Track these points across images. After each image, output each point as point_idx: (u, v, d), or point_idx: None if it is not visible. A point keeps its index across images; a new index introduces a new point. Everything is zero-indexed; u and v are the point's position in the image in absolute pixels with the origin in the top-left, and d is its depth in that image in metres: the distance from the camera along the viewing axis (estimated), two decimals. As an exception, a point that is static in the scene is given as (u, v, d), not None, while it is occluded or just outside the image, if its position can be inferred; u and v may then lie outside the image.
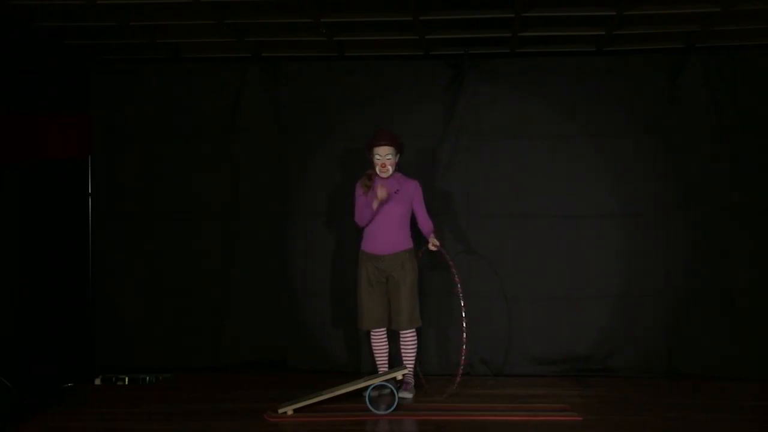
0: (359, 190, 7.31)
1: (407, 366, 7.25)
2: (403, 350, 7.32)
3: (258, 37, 8.02)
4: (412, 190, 7.32)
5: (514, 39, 7.97)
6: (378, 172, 7.23)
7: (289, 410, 6.56)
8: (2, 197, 8.12)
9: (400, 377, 6.77)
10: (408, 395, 7.12)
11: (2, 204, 8.09)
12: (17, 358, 6.55)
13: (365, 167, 8.37)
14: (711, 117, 8.16)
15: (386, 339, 7.40)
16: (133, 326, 8.42)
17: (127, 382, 7.84)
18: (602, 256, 8.21)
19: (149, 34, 7.94)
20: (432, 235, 7.26)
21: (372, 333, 7.37)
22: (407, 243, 7.29)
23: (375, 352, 7.43)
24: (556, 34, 7.92)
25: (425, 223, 7.35)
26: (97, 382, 7.83)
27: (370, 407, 6.57)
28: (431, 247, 7.23)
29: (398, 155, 7.30)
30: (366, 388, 6.67)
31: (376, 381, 6.68)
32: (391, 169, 7.23)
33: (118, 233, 8.51)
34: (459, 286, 7.27)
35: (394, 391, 6.64)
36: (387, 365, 7.41)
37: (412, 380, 7.31)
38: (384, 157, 7.21)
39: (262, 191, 8.47)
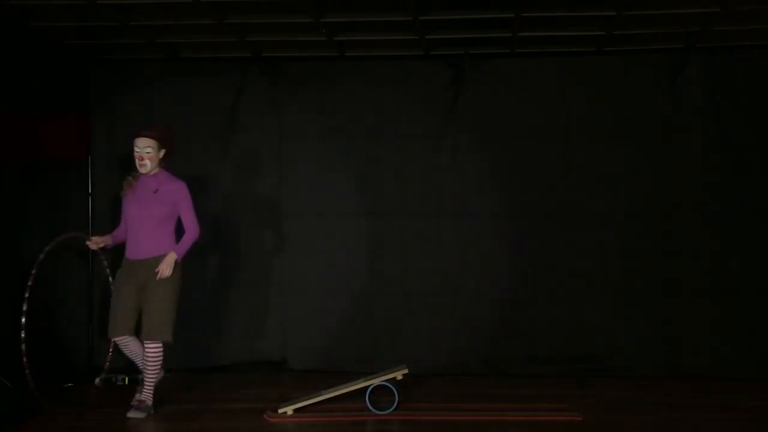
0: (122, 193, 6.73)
1: (147, 382, 6.60)
2: (144, 364, 6.59)
3: (258, 37, 8.01)
4: (176, 192, 6.63)
5: (514, 39, 7.97)
6: (137, 167, 6.60)
7: (288, 410, 6.56)
8: (2, 197, 8.12)
9: (400, 377, 6.75)
10: (139, 415, 6.51)
11: (2, 203, 8.09)
12: (17, 358, 6.52)
13: (366, 167, 8.39)
14: (711, 117, 8.16)
15: (136, 345, 6.63)
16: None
17: (126, 382, 7.83)
18: (601, 256, 8.21)
19: (149, 34, 7.94)
20: (171, 253, 6.52)
21: (117, 341, 6.63)
22: (165, 248, 6.56)
23: (131, 357, 6.72)
24: (557, 35, 7.92)
25: (188, 229, 6.66)
26: (97, 382, 7.82)
27: (370, 407, 6.56)
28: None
29: (162, 151, 6.63)
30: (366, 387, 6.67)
31: (376, 381, 6.67)
32: (149, 164, 6.57)
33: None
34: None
35: (395, 390, 6.63)
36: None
37: (148, 399, 6.63)
38: (142, 149, 6.56)
39: (262, 191, 8.47)
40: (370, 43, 8.18)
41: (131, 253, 6.60)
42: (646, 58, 8.22)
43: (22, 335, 6.49)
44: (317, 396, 6.71)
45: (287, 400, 6.73)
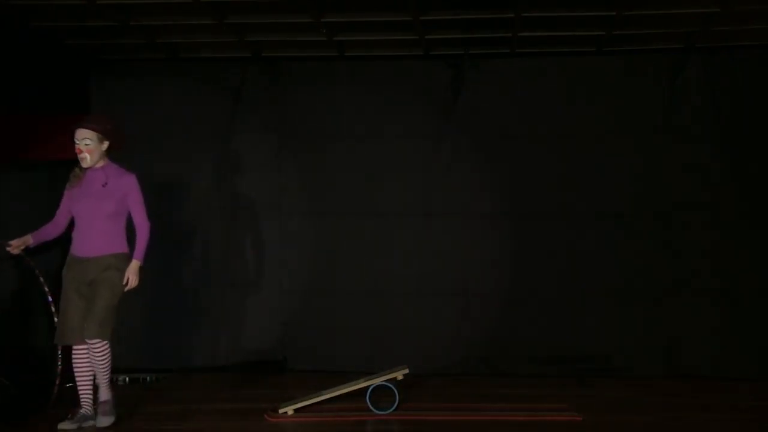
0: (67, 185, 6.27)
1: (102, 381, 6.11)
2: (94, 364, 6.08)
3: (258, 36, 8.01)
4: (125, 185, 6.19)
5: (514, 39, 7.97)
6: (80, 161, 6.17)
7: (289, 410, 6.55)
8: (1, 198, 8.11)
9: (400, 377, 6.74)
10: (108, 420, 6.11)
11: (2, 204, 8.08)
12: (16, 359, 6.52)
13: (366, 166, 8.39)
14: (711, 116, 8.16)
15: (87, 359, 6.15)
16: (132, 326, 8.40)
17: (127, 382, 7.83)
18: (601, 256, 8.21)
19: (149, 34, 7.94)
20: (134, 262, 6.11)
21: (73, 351, 6.13)
22: (115, 246, 6.15)
23: (76, 373, 6.15)
24: (557, 35, 7.92)
25: (138, 228, 6.22)
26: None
27: (371, 407, 6.55)
28: (125, 284, 6.13)
29: (105, 144, 6.16)
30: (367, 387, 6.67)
31: (377, 381, 6.66)
32: (89, 158, 6.10)
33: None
34: (50, 299, 6.37)
35: (395, 391, 6.62)
36: (90, 388, 6.18)
37: (109, 399, 6.17)
38: (81, 141, 6.09)
39: (261, 191, 8.48)
40: (369, 43, 8.19)
41: (79, 250, 6.13)
42: (646, 58, 8.23)
43: None
44: (318, 396, 6.71)
45: (288, 400, 6.72)
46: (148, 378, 7.94)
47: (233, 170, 8.50)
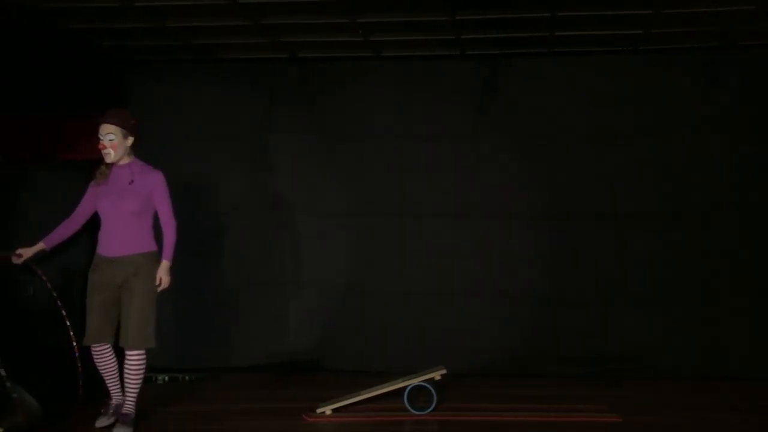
0: (92, 182, 6.19)
1: (130, 394, 6.08)
2: (126, 374, 6.05)
3: (294, 37, 8.03)
4: (152, 183, 6.12)
5: (550, 39, 7.94)
6: (105, 157, 6.10)
7: (327, 410, 6.58)
8: (39, 198, 8.19)
9: (438, 377, 6.74)
10: (126, 430, 6.00)
11: (38, 205, 8.16)
12: (59, 356, 6.56)
13: (401, 167, 8.38)
14: (748, 116, 8.10)
15: (111, 356, 6.12)
16: (171, 326, 8.46)
17: (166, 381, 7.88)
18: (635, 256, 8.17)
19: (185, 36, 7.97)
20: (164, 263, 6.05)
21: (93, 350, 6.07)
22: (144, 245, 6.07)
23: (100, 371, 6.14)
24: (593, 34, 7.87)
25: (165, 226, 6.13)
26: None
27: (408, 407, 6.56)
28: (157, 285, 6.06)
29: (130, 139, 6.09)
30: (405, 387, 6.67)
31: (414, 381, 6.67)
32: (113, 153, 6.02)
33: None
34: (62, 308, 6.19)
35: (433, 391, 6.62)
36: (119, 384, 6.18)
37: (132, 412, 6.10)
38: (105, 137, 6.02)
39: (297, 191, 8.50)
40: (405, 43, 8.17)
41: (106, 249, 6.03)
42: (683, 56, 8.16)
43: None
44: (356, 396, 6.72)
45: (325, 400, 6.73)
46: (186, 378, 7.98)
47: (269, 170, 8.53)
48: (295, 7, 7.31)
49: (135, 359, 6.01)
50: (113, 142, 6.02)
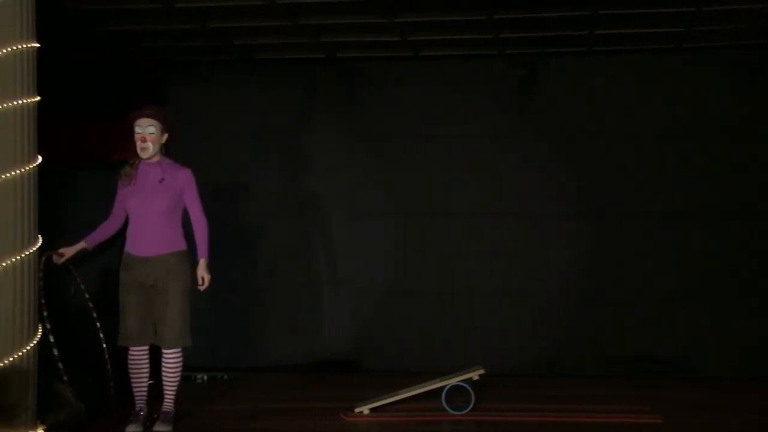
0: (119, 183, 6.09)
1: (169, 393, 6.07)
2: (164, 373, 6.05)
3: (332, 37, 8.05)
4: (183, 180, 6.02)
5: (590, 37, 7.88)
6: (138, 151, 5.98)
7: (365, 410, 6.57)
8: (83, 199, 8.28)
9: (475, 378, 6.71)
10: (167, 428, 5.98)
11: (83, 205, 8.25)
12: (100, 358, 6.62)
13: (440, 166, 8.37)
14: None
15: (147, 359, 6.11)
16: (210, 325, 8.51)
17: (206, 380, 7.93)
18: (677, 257, 8.10)
19: (225, 36, 8.02)
20: (202, 261, 6.01)
21: (130, 352, 6.04)
22: (176, 244, 6.00)
23: (132, 375, 6.07)
24: (633, 32, 7.81)
25: (197, 224, 6.07)
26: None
27: (447, 407, 6.54)
28: (200, 284, 6.02)
29: (165, 135, 6.02)
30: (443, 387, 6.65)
31: (452, 381, 6.65)
32: (151, 147, 5.94)
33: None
34: (91, 305, 6.24)
35: (471, 391, 6.59)
36: (146, 390, 6.16)
37: (172, 410, 6.10)
38: (145, 129, 5.93)
39: (335, 190, 8.52)
40: (443, 42, 8.16)
41: (137, 249, 5.96)
42: (725, 54, 8.07)
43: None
44: (394, 396, 6.71)
45: (363, 400, 6.73)
46: (225, 377, 8.02)
47: (307, 170, 8.55)
48: (333, 8, 7.33)
49: (173, 358, 6.02)
50: (153, 135, 5.94)
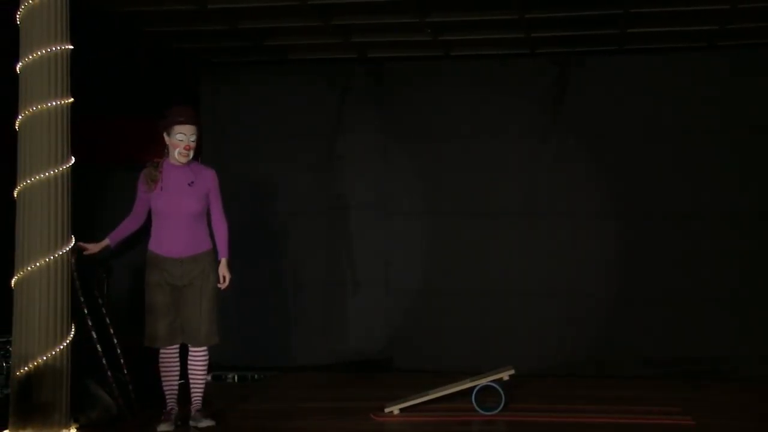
0: (142, 186, 6.06)
1: (200, 389, 6.13)
2: (195, 371, 6.11)
3: (364, 37, 8.06)
4: (210, 181, 6.09)
5: (621, 36, 7.83)
6: (177, 156, 5.98)
7: (395, 410, 6.57)
8: (113, 198, 8.34)
9: (506, 378, 6.69)
10: (211, 422, 6.08)
11: (112, 205, 8.31)
12: (132, 357, 6.67)
13: (471, 166, 8.34)
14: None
15: (178, 359, 6.15)
16: (240, 325, 8.55)
17: (236, 380, 7.97)
18: (713, 257, 8.02)
19: (257, 37, 8.06)
20: (224, 260, 6.09)
21: (162, 352, 6.07)
22: (207, 243, 6.08)
23: (164, 374, 6.11)
24: (666, 30, 7.75)
25: (219, 223, 6.14)
26: (208, 379, 7.96)
27: (477, 407, 6.52)
28: (221, 283, 6.06)
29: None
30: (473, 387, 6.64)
31: (483, 381, 6.63)
32: (191, 154, 6.03)
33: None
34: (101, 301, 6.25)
35: (501, 391, 6.57)
36: (177, 389, 6.19)
37: (200, 405, 6.18)
38: (189, 137, 5.96)
39: (367, 190, 8.53)
40: (475, 42, 8.15)
41: (167, 250, 5.98)
42: (761, 52, 7.98)
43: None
44: (424, 396, 6.70)
45: (393, 400, 6.73)
46: (255, 376, 8.06)
47: (339, 170, 8.57)
48: (365, 8, 7.34)
49: (203, 356, 6.08)
50: (194, 143, 6.02)
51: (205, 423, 6.04)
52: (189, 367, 6.11)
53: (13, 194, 5.40)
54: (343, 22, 7.64)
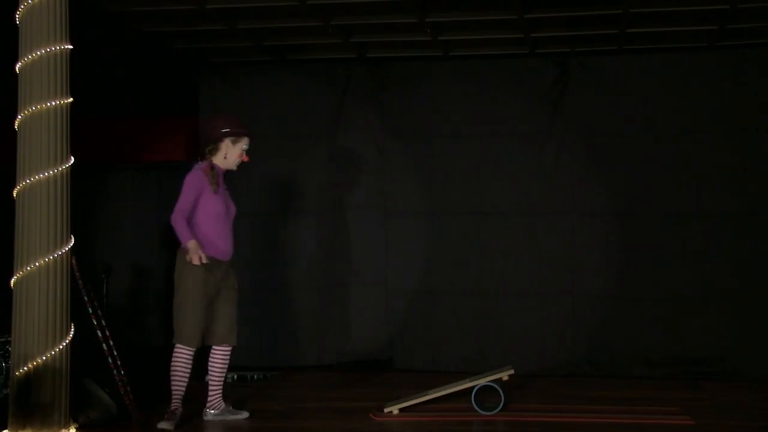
0: (199, 182, 6.14)
1: (220, 386, 6.38)
2: (219, 368, 6.35)
3: (363, 37, 8.07)
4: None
5: (621, 36, 7.83)
6: (233, 165, 6.31)
7: (395, 409, 6.57)
8: (112, 198, 8.36)
9: (506, 378, 6.69)
10: (245, 414, 6.41)
11: (111, 205, 8.33)
12: (132, 357, 6.67)
13: (470, 166, 8.34)
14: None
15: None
16: (241, 325, 8.52)
17: (235, 380, 7.96)
18: (713, 257, 8.01)
19: (256, 37, 8.06)
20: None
21: (187, 352, 6.17)
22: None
23: (181, 374, 6.19)
24: (666, 30, 7.74)
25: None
26: (207, 379, 7.96)
27: (476, 407, 6.52)
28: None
29: None
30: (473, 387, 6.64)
31: (482, 382, 6.63)
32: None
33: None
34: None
35: (501, 391, 6.57)
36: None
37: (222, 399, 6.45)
38: (246, 148, 6.34)
39: (366, 190, 8.52)
40: (474, 42, 8.16)
41: (219, 252, 6.19)
42: (761, 52, 7.97)
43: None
44: (423, 396, 6.70)
45: (393, 400, 6.73)
46: (255, 376, 8.05)
47: (338, 170, 8.57)
48: (364, 8, 7.35)
49: (227, 354, 6.36)
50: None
51: (243, 415, 6.39)
52: (215, 364, 6.32)
53: (12, 194, 5.40)
54: (342, 22, 7.65)
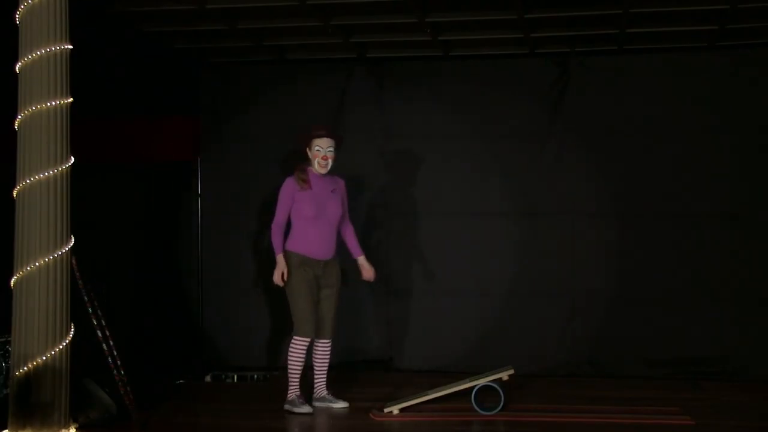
0: (289, 188, 6.71)
1: (325, 374, 6.93)
2: (324, 359, 6.89)
3: (363, 37, 8.07)
4: (343, 188, 6.90)
5: (621, 36, 7.84)
6: (316, 167, 6.70)
7: (395, 409, 6.57)
8: (115, 198, 8.35)
9: (506, 378, 6.69)
10: (344, 404, 6.84)
11: (115, 205, 8.32)
12: (132, 356, 6.67)
13: (471, 166, 8.35)
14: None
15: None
16: (240, 325, 8.56)
17: (235, 380, 7.97)
18: (713, 257, 8.02)
19: (256, 37, 8.06)
20: (363, 257, 7.02)
21: (304, 342, 6.68)
22: (336, 248, 6.82)
23: (300, 363, 6.72)
24: (666, 30, 7.74)
25: (350, 226, 7.00)
26: (208, 379, 7.98)
27: (476, 407, 6.52)
28: (366, 275, 7.06)
29: (336, 151, 6.79)
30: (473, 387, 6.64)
31: (482, 382, 6.63)
32: (330, 164, 6.72)
33: (227, 234, 8.64)
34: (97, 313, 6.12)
35: (501, 391, 6.58)
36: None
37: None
38: (326, 149, 6.67)
39: (366, 191, 8.51)
40: (474, 42, 8.16)
41: (315, 252, 6.66)
42: (761, 52, 7.97)
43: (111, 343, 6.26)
44: (423, 396, 6.71)
45: (393, 400, 6.74)
46: (255, 376, 8.05)
47: (338, 170, 8.53)
48: (364, 8, 7.35)
49: (330, 346, 6.88)
50: (332, 154, 6.69)
51: (342, 404, 6.80)
52: (321, 356, 6.84)
53: (12, 194, 5.41)
54: (342, 22, 7.64)
